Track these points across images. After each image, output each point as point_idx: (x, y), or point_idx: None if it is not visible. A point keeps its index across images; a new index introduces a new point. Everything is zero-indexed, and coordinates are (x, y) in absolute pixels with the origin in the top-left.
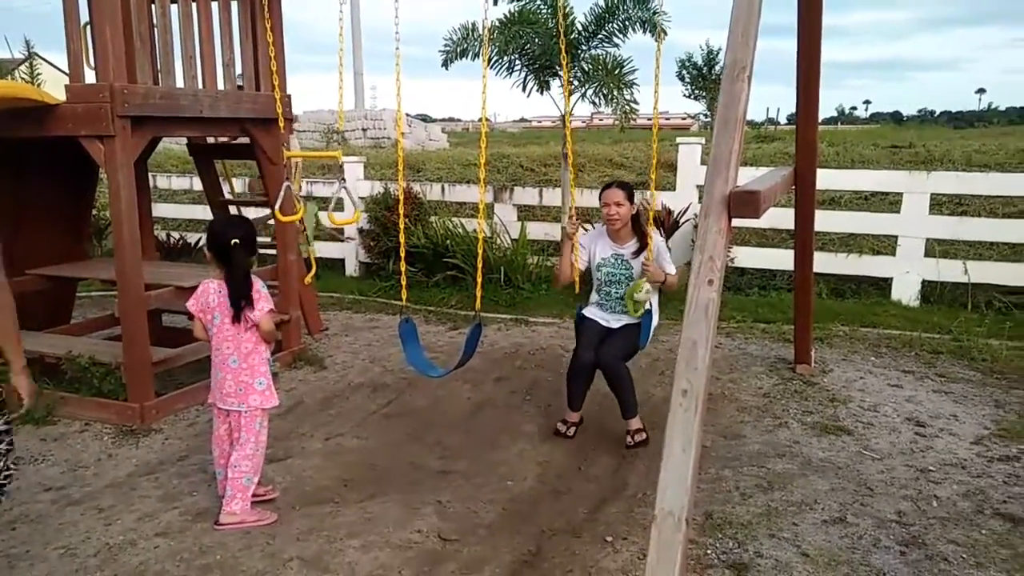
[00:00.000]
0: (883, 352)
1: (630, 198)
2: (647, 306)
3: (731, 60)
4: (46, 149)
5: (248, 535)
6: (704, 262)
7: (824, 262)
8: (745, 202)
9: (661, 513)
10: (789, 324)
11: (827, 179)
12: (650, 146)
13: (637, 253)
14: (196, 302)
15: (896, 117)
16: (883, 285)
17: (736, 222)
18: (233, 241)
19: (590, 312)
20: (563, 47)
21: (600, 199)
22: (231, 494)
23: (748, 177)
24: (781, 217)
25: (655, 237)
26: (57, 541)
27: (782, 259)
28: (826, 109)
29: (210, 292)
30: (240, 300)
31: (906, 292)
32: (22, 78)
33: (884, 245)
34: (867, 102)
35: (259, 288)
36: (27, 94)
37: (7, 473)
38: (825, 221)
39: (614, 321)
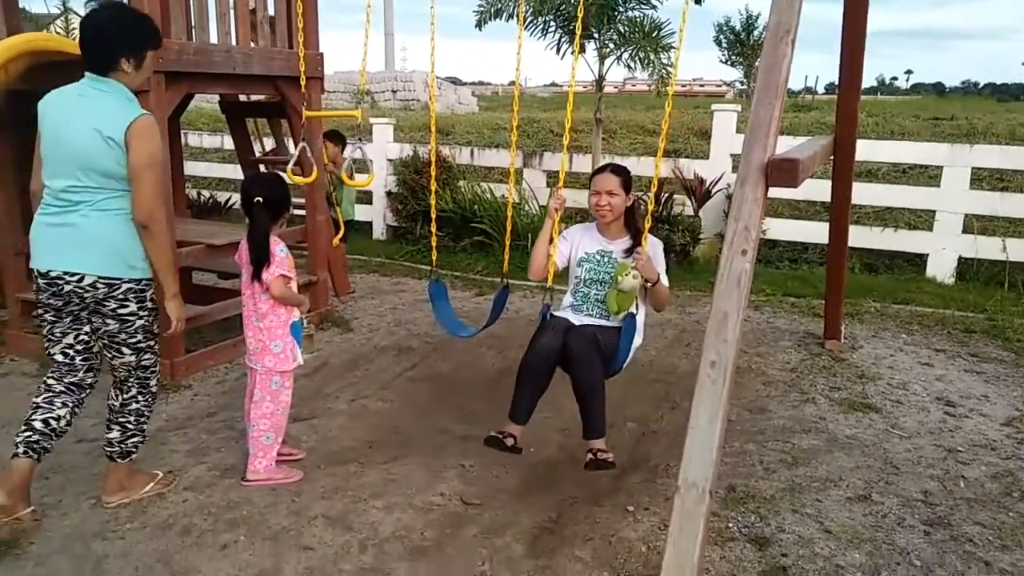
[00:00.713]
0: (915, 330)
1: (626, 187)
2: (631, 308)
3: (775, 23)
4: None
5: (274, 492)
6: (739, 231)
7: (858, 236)
8: (784, 170)
9: (685, 484)
10: (819, 299)
11: (866, 150)
12: (684, 112)
13: (628, 252)
14: (237, 255)
15: (938, 88)
16: (918, 261)
17: (769, 192)
18: (256, 199)
19: (561, 313)
20: (582, 3)
21: (590, 185)
22: (253, 452)
23: (785, 146)
24: (815, 188)
25: (652, 238)
26: (89, 492)
27: (815, 232)
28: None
29: (242, 247)
30: (257, 259)
31: (941, 269)
32: (58, 32)
33: (921, 220)
34: (908, 72)
35: (276, 251)
36: (63, 47)
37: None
38: (861, 194)
39: (588, 322)
